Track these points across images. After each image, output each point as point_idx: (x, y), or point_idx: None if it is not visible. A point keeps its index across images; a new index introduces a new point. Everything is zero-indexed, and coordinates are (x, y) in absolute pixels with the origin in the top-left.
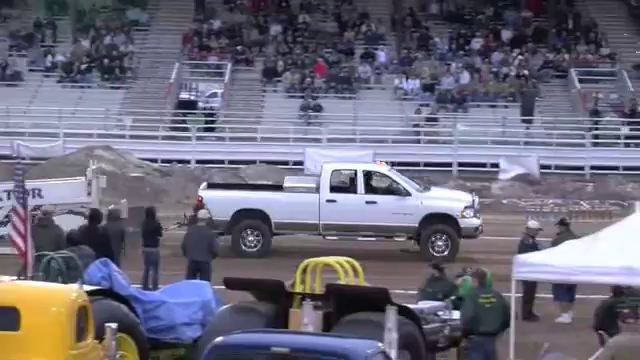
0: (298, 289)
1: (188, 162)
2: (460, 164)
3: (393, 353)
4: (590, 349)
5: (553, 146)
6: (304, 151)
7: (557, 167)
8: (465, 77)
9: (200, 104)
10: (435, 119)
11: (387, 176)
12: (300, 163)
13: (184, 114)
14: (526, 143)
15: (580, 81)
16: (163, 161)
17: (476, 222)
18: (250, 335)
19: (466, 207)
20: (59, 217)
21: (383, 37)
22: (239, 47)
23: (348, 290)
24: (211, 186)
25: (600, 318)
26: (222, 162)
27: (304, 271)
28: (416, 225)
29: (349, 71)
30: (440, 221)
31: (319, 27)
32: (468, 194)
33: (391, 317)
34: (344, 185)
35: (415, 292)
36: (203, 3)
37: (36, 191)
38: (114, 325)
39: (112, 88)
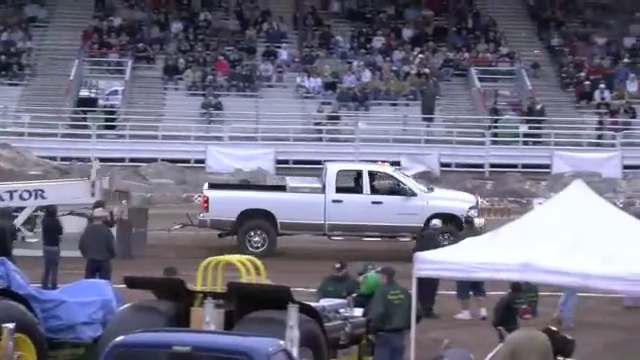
0: (199, 287)
1: (88, 160)
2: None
3: (295, 351)
4: (489, 345)
5: (453, 144)
6: (206, 149)
7: (457, 165)
8: (366, 75)
9: (100, 101)
10: (337, 117)
11: (392, 176)
12: (202, 161)
13: (84, 111)
14: (427, 141)
15: (480, 80)
16: (62, 159)
17: (479, 222)
18: (151, 334)
19: (471, 207)
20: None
21: (285, 35)
22: (140, 44)
23: (250, 288)
24: (213, 186)
25: (499, 314)
26: (123, 160)
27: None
28: (421, 225)
29: (251, 69)
30: (445, 221)
31: (221, 25)
32: (471, 195)
33: (292, 315)
34: (350, 185)
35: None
36: (103, 0)
37: (39, 192)
38: (11, 325)
39: (10, 85)
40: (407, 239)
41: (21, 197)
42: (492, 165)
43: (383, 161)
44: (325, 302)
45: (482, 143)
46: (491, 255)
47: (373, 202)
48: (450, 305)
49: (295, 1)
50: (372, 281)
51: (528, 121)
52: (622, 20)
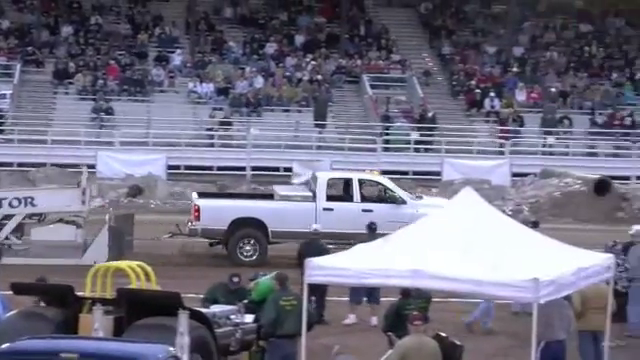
0: (88, 294)
1: None
2: (254, 168)
3: (185, 357)
4: (380, 351)
5: (345, 150)
6: (96, 154)
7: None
8: (259, 81)
9: None
10: (229, 123)
11: (382, 184)
12: (92, 166)
13: None
14: (319, 147)
15: (372, 87)
16: None
17: None
18: (38, 341)
19: None
20: (49, 226)
21: (177, 40)
22: (29, 48)
23: (139, 294)
24: (203, 195)
25: (389, 320)
26: (11, 165)
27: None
28: None
29: (142, 74)
30: None
31: (112, 29)
32: None
33: (183, 321)
34: (340, 194)
35: None
36: None
37: (29, 199)
38: None
39: None
40: None
41: (10, 205)
42: (383, 172)
43: (371, 170)
44: (216, 308)
45: (374, 150)
46: (382, 261)
47: (363, 210)
48: (340, 311)
49: (187, 6)
50: (263, 287)
51: (419, 128)
52: (511, 30)
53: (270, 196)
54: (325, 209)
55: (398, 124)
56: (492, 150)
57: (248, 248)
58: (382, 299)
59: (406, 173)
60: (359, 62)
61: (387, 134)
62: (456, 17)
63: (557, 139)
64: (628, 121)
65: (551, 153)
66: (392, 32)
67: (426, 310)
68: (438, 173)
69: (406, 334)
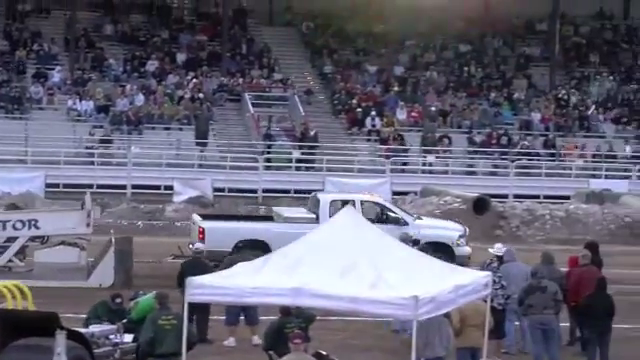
0: None
1: None
2: (134, 186)
3: None
4: None
5: (227, 169)
6: None
7: (230, 190)
8: (140, 99)
9: None
10: (109, 141)
11: (384, 206)
12: None
13: None
14: (200, 166)
15: (254, 105)
16: None
17: (468, 250)
18: None
19: (460, 236)
20: (52, 249)
21: (56, 57)
22: None
23: (15, 314)
24: (207, 217)
25: (270, 339)
26: None
27: None
28: None
29: (20, 91)
30: (436, 249)
31: None
32: (458, 224)
33: (60, 341)
34: None
35: None
36: None
37: (32, 222)
38: None
39: None
40: None
41: (14, 227)
42: (265, 190)
43: (369, 192)
44: (95, 328)
45: (255, 168)
46: (263, 280)
47: None
48: (223, 331)
49: (67, 23)
50: (142, 306)
51: (301, 147)
52: (392, 49)
53: (270, 218)
54: None
55: (280, 142)
56: (373, 169)
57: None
58: (263, 318)
59: (288, 191)
60: (241, 80)
61: (269, 152)
62: (337, 36)
63: (437, 158)
64: (504, 140)
65: (431, 172)
66: (274, 51)
67: (307, 329)
68: (319, 191)
69: (287, 352)
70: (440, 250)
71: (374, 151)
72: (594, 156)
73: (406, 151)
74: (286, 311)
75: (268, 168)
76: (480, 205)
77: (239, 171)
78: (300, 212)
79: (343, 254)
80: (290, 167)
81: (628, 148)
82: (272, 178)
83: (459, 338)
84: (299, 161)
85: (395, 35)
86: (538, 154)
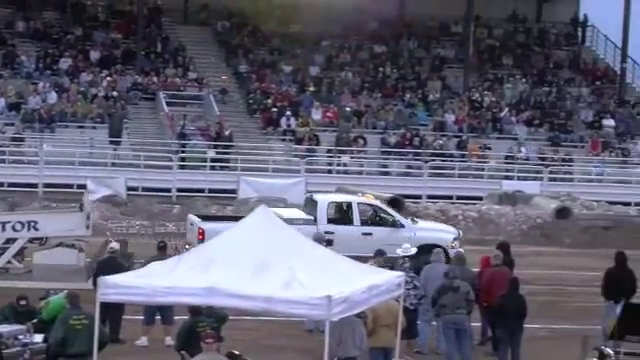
0: None
1: None
2: (46, 185)
3: None
4: None
5: (141, 168)
6: None
7: (144, 189)
8: (52, 97)
9: None
10: (21, 139)
11: (381, 208)
12: None
13: None
14: (113, 164)
15: (168, 104)
16: None
17: (461, 252)
18: None
19: (454, 239)
20: (50, 250)
21: None
22: None
23: None
24: (206, 218)
25: (182, 338)
26: None
27: None
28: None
29: None
30: (431, 252)
31: None
32: (452, 227)
33: None
34: (340, 217)
35: None
36: None
37: (32, 223)
38: None
39: None
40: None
41: (14, 229)
42: (179, 189)
43: (364, 193)
44: (3, 328)
45: (170, 167)
46: (176, 279)
47: (363, 233)
48: (136, 330)
49: None
50: (53, 306)
51: (215, 146)
52: (307, 49)
53: None
54: (326, 232)
55: (194, 142)
56: (288, 168)
57: None
58: (177, 317)
59: (202, 191)
60: (155, 79)
61: (183, 152)
62: (253, 36)
63: (351, 158)
64: (418, 141)
65: (345, 172)
66: (189, 50)
67: (219, 329)
68: (234, 191)
69: (199, 352)
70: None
71: (289, 151)
72: (506, 158)
73: (321, 151)
74: (196, 311)
75: (182, 167)
76: (394, 205)
77: (153, 170)
78: (296, 213)
79: (257, 254)
80: (205, 166)
81: (524, 150)
82: (186, 177)
83: (372, 338)
84: (214, 160)
85: (310, 35)
86: (452, 155)
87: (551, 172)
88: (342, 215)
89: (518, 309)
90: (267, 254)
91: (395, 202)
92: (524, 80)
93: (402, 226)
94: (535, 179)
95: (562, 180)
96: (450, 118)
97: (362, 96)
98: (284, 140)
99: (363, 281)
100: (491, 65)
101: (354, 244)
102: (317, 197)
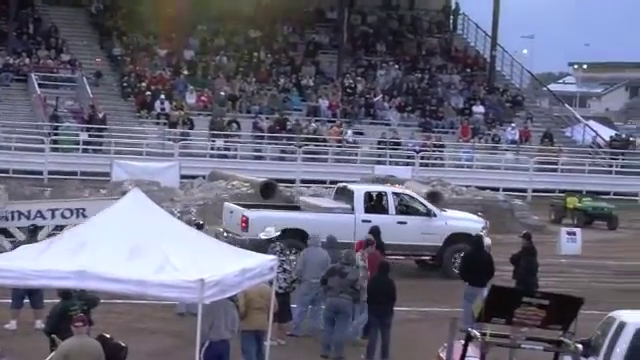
0: None
1: None
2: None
3: None
4: (43, 353)
5: (12, 150)
6: None
7: (15, 171)
8: None
9: None
10: None
11: (414, 198)
12: None
13: None
14: None
15: (40, 86)
16: None
17: (489, 241)
18: None
19: (483, 227)
20: None
21: None
22: None
23: None
24: (248, 206)
25: (52, 322)
26: None
27: None
28: (440, 244)
29: None
30: (461, 240)
31: None
32: (478, 216)
33: None
34: (376, 206)
35: None
36: None
37: (80, 210)
38: None
39: None
40: (427, 258)
41: (63, 215)
42: (51, 172)
43: (392, 183)
44: None
45: (42, 150)
46: (47, 262)
47: (398, 222)
48: (4, 314)
49: None
50: None
51: (89, 129)
52: (182, 33)
53: (296, 207)
54: (363, 221)
55: (67, 124)
56: (162, 152)
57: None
58: (47, 301)
59: (75, 174)
60: (27, 60)
61: (56, 134)
62: (128, 19)
63: (225, 142)
64: (292, 125)
65: (219, 156)
66: (62, 31)
67: (89, 312)
68: (107, 174)
69: (71, 336)
70: (465, 241)
71: (163, 134)
72: (379, 143)
73: (195, 135)
74: (66, 294)
75: (55, 150)
76: (267, 189)
77: (24, 152)
78: (330, 202)
79: (130, 237)
80: (77, 149)
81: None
82: (59, 160)
83: (244, 321)
84: (86, 143)
85: (185, 19)
86: (325, 140)
87: (422, 157)
88: (377, 204)
89: (387, 292)
90: (140, 237)
91: (268, 186)
92: (397, 67)
93: (434, 215)
94: (407, 164)
95: (433, 165)
96: (324, 103)
97: (236, 80)
98: (158, 124)
99: (236, 264)
100: (365, 51)
101: (389, 233)
102: (352, 187)
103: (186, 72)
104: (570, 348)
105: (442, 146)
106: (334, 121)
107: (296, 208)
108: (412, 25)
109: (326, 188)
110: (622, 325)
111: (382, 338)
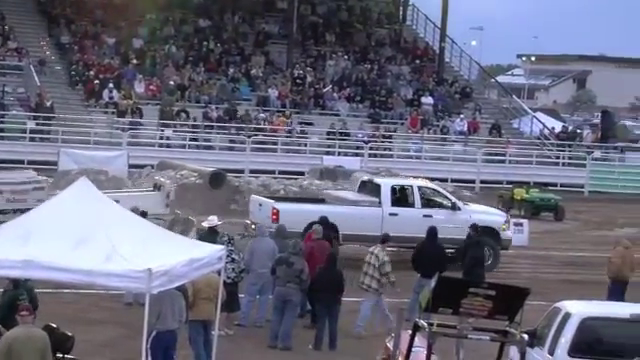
0: None
1: None
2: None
3: None
4: None
5: None
6: None
7: None
8: None
9: None
10: None
11: (439, 192)
12: None
13: None
14: None
15: None
16: None
17: (510, 235)
18: None
19: (505, 221)
20: None
21: None
22: None
23: None
24: (278, 199)
25: (1, 312)
26: None
27: None
28: (463, 237)
29: None
30: (484, 234)
31: None
32: (501, 210)
33: None
34: (401, 199)
35: None
36: None
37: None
38: None
39: None
40: (451, 251)
41: None
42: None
43: (415, 176)
44: None
45: None
46: None
47: (424, 215)
48: None
49: None
50: None
51: (36, 117)
52: (131, 22)
53: (321, 200)
54: (391, 214)
55: (14, 112)
56: (110, 141)
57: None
58: None
59: (21, 162)
60: None
61: (2, 122)
62: (76, 6)
63: (174, 132)
64: (241, 115)
65: (168, 145)
66: (8, 19)
67: (34, 301)
68: (54, 163)
69: (16, 325)
70: (487, 234)
71: (111, 123)
72: (328, 133)
73: (144, 124)
74: (16, 283)
75: (1, 138)
76: (216, 179)
77: None
78: (354, 196)
79: (77, 227)
80: (24, 137)
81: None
82: (5, 148)
83: (192, 311)
84: (34, 132)
85: (134, 8)
86: (274, 130)
87: (371, 148)
88: (403, 198)
89: (335, 283)
90: (88, 227)
91: (217, 176)
92: (346, 57)
93: (459, 209)
94: (356, 155)
95: (382, 156)
96: (273, 93)
97: (186, 70)
98: (106, 112)
99: (184, 254)
100: (314, 42)
101: (415, 226)
102: (379, 180)
103: (135, 61)
104: (516, 338)
105: (391, 137)
106: (283, 111)
107: (321, 201)
108: (362, 16)
109: (275, 178)
110: (567, 315)
111: (330, 328)
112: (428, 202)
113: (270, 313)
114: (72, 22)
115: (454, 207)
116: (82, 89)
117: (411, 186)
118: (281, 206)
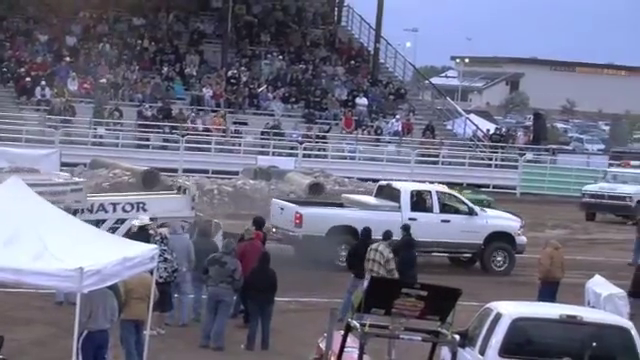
0: None
1: None
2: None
3: None
4: None
5: None
6: None
7: None
8: None
9: None
10: None
11: (456, 197)
12: None
13: None
14: None
15: None
16: None
17: (525, 240)
18: None
19: (520, 226)
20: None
21: None
22: None
23: None
24: (302, 204)
25: None
26: None
27: None
28: (481, 242)
29: None
30: (500, 239)
31: None
32: (515, 216)
33: None
34: (420, 205)
35: None
36: None
37: (140, 205)
38: None
39: None
40: (468, 255)
41: (124, 209)
42: None
43: (432, 182)
44: None
45: None
46: None
47: (442, 220)
48: None
49: None
50: None
51: None
52: (64, 19)
53: (339, 205)
54: (410, 219)
55: None
56: (42, 139)
57: (343, 254)
58: None
59: None
60: None
61: None
62: (8, 3)
63: (107, 130)
64: (175, 114)
65: (101, 144)
66: None
67: None
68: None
69: None
70: (504, 239)
71: (43, 121)
72: (262, 133)
73: (76, 122)
74: None
75: None
76: (149, 178)
77: None
78: (374, 200)
79: (6, 225)
80: None
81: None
82: None
83: (124, 310)
84: None
85: (67, 5)
86: (208, 130)
87: (305, 148)
88: (422, 203)
89: (268, 283)
90: (18, 225)
91: (150, 175)
92: (281, 57)
93: (476, 214)
94: (290, 155)
95: (316, 157)
96: (208, 93)
97: (120, 68)
98: (38, 110)
99: (117, 253)
100: (249, 41)
101: (433, 230)
102: (398, 185)
103: (68, 59)
104: (447, 339)
105: (325, 137)
106: (217, 111)
107: (340, 205)
108: (297, 16)
109: (208, 177)
110: (498, 316)
111: (262, 328)
112: (446, 207)
113: (191, 312)
114: (4, 19)
115: (471, 212)
116: (14, 86)
117: (430, 191)
118: (304, 210)
